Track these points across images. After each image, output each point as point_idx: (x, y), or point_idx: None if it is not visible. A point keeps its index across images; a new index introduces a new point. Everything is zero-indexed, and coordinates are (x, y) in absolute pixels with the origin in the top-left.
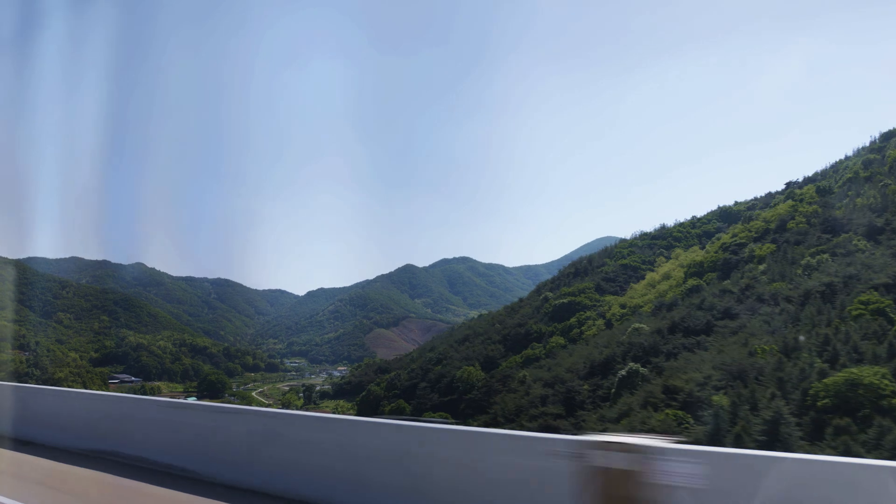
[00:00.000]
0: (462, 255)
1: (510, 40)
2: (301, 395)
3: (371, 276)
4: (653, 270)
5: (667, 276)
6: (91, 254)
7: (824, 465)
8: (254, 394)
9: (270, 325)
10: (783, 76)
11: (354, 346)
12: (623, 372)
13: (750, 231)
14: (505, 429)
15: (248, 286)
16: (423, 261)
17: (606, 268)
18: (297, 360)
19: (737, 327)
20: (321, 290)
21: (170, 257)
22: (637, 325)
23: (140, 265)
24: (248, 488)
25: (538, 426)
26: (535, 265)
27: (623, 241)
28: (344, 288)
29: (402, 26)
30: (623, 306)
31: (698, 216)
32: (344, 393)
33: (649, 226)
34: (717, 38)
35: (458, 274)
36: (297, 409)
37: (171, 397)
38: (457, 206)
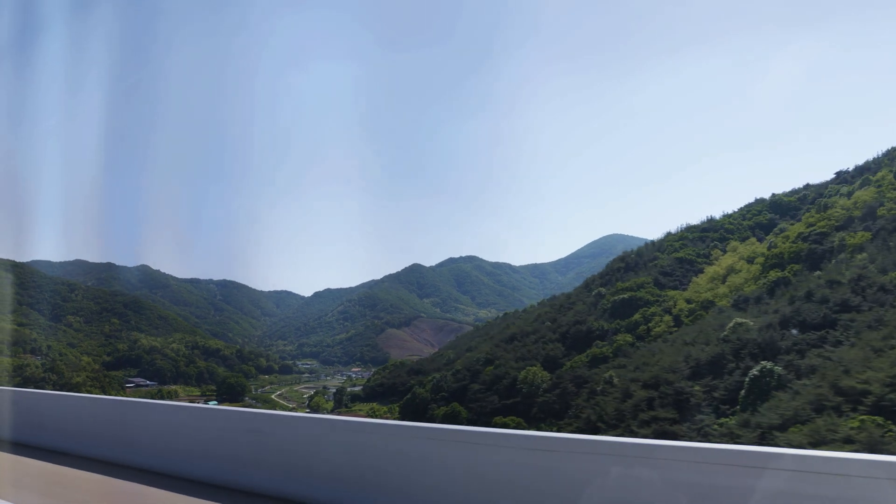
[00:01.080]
0: (468, 254)
1: (516, 39)
2: (329, 397)
3: (378, 276)
4: (710, 264)
5: (733, 270)
6: (95, 256)
7: None
8: (273, 396)
9: (278, 327)
10: (786, 77)
11: (367, 347)
12: (755, 371)
13: (829, 220)
14: (609, 435)
15: (253, 287)
16: (429, 260)
17: (661, 261)
18: (308, 362)
19: (872, 321)
20: (328, 290)
21: (174, 259)
22: (740, 319)
23: (145, 267)
24: None
25: (652, 432)
26: (542, 263)
27: (670, 234)
28: (351, 288)
29: (407, 24)
30: (689, 301)
31: (744, 208)
32: (376, 395)
33: (654, 224)
34: (725, 38)
35: (465, 273)
36: (328, 412)
37: (190, 401)
38: (462, 204)
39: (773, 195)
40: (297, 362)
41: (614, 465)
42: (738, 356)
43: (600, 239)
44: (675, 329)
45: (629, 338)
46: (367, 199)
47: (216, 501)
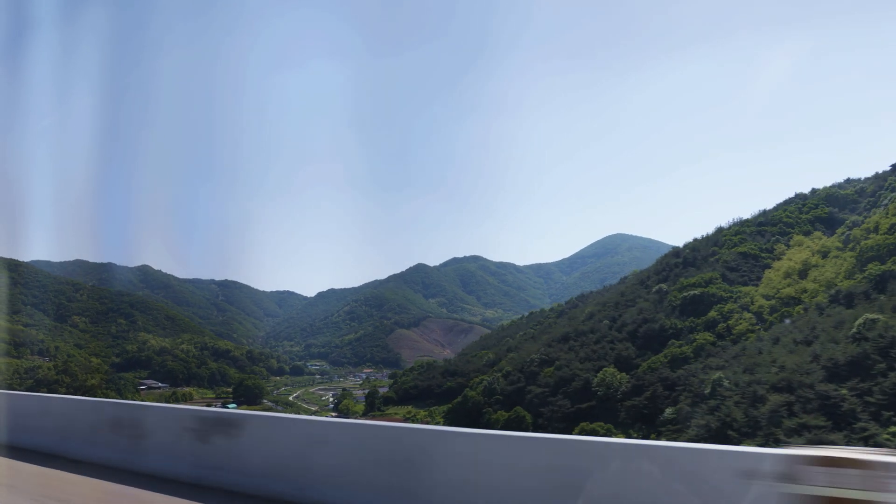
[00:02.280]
0: (472, 253)
1: (516, 37)
2: (359, 400)
3: (381, 276)
4: (775, 258)
5: (808, 264)
6: (95, 256)
7: None
8: (290, 398)
9: (282, 327)
10: (784, 76)
11: (377, 348)
12: None
13: None
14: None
15: (255, 287)
16: (433, 260)
17: (724, 256)
18: (317, 363)
19: None
20: (331, 290)
21: (174, 259)
22: (871, 315)
23: (146, 267)
24: None
25: (806, 442)
26: (546, 263)
27: (721, 228)
28: (355, 288)
29: (402, 24)
30: (767, 297)
31: (796, 201)
32: (410, 398)
33: (657, 223)
34: (727, 37)
35: (470, 273)
36: (358, 416)
37: (207, 404)
38: (465, 204)
39: (828, 188)
40: (307, 363)
41: None
42: (886, 356)
43: (604, 238)
44: (758, 327)
45: (709, 336)
46: (370, 199)
47: None
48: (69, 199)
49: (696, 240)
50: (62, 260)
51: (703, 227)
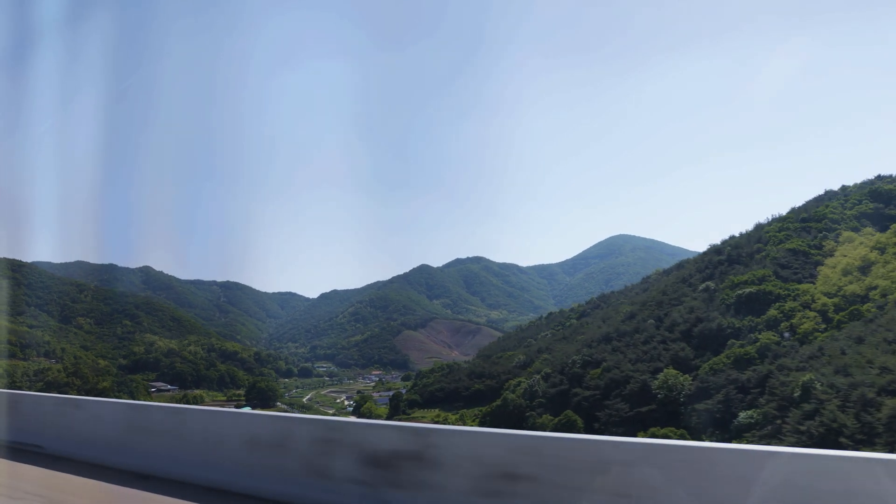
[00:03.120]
0: (475, 254)
1: (516, 36)
2: (381, 402)
3: (384, 277)
4: (826, 255)
5: (868, 261)
6: (96, 258)
7: None
8: (304, 400)
9: (285, 329)
10: (785, 75)
11: (384, 349)
12: None
13: None
14: None
15: (257, 289)
16: (436, 261)
17: (773, 253)
18: (324, 365)
19: None
20: (334, 292)
21: (176, 260)
22: None
23: (147, 269)
24: None
25: None
26: (550, 264)
27: (761, 224)
28: (358, 289)
29: (404, 22)
30: (829, 295)
31: (844, 194)
32: (437, 401)
33: (662, 224)
34: (732, 33)
35: (473, 274)
36: (384, 419)
37: (220, 406)
38: (467, 204)
39: (873, 182)
40: (315, 365)
41: None
42: None
43: (607, 239)
44: (825, 326)
45: (773, 336)
46: (371, 199)
47: None
48: (71, 200)
49: (732, 237)
50: (63, 261)
51: (707, 227)
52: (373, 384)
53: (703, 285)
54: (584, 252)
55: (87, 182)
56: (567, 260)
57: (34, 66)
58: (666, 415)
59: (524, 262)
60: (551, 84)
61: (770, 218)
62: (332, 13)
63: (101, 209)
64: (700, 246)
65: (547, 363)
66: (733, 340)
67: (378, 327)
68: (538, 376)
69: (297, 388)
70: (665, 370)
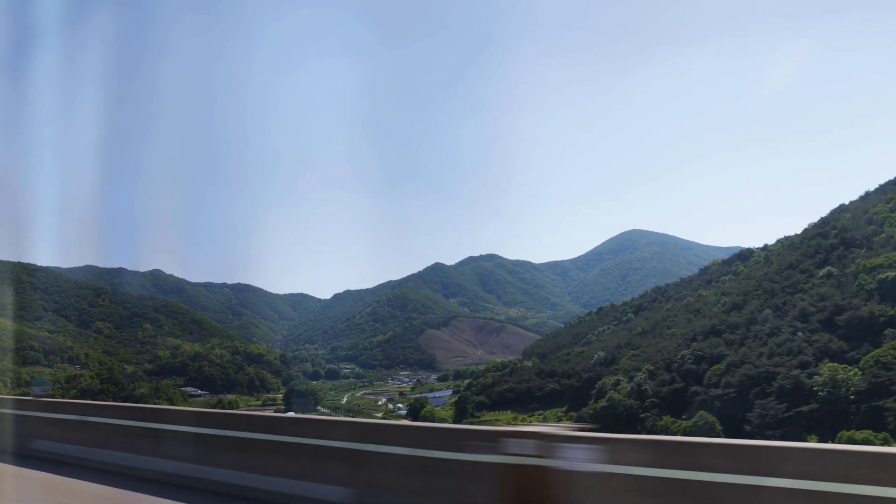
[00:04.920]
0: (488, 252)
1: (525, 31)
2: (437, 404)
3: (396, 277)
4: None
5: None
6: (104, 262)
7: None
8: (343, 402)
9: (300, 330)
10: (789, 75)
11: (408, 349)
12: None
13: None
14: None
15: (269, 290)
16: (448, 259)
17: (886, 234)
18: (347, 366)
19: None
20: (347, 292)
21: (185, 263)
22: None
23: (158, 272)
24: None
25: None
26: (563, 261)
27: (843, 206)
28: (371, 289)
29: (410, 21)
30: None
31: None
32: (507, 402)
33: (674, 218)
34: (742, 27)
35: (487, 271)
36: (449, 422)
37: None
38: (479, 202)
39: None
40: (339, 366)
41: None
42: None
43: (619, 235)
44: None
45: None
46: (381, 198)
47: None
48: (78, 205)
49: (822, 219)
50: (72, 266)
51: (718, 221)
52: (410, 385)
53: (825, 270)
54: (596, 248)
55: (93, 187)
56: (580, 256)
57: (37, 72)
58: (831, 414)
59: (537, 259)
60: (560, 81)
61: (860, 195)
62: (338, 11)
63: (109, 213)
64: (713, 240)
65: (637, 359)
66: (891, 329)
67: (399, 327)
68: (641, 374)
69: (331, 390)
70: (823, 364)
